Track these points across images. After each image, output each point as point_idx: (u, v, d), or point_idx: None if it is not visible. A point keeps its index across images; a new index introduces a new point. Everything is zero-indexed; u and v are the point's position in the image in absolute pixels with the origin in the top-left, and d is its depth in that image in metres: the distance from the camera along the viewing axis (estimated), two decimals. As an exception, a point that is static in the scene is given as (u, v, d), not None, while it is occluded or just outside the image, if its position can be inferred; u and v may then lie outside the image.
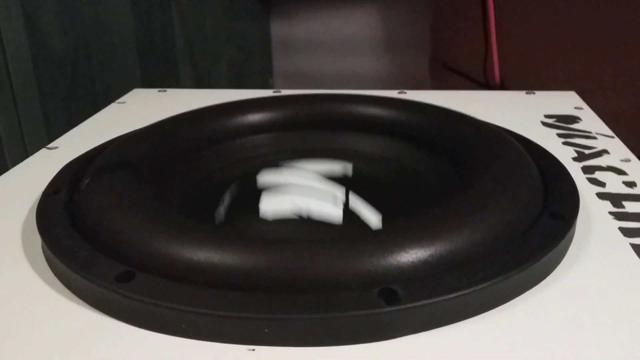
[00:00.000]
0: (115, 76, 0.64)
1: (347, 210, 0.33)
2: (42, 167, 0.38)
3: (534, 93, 0.53)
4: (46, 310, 0.25)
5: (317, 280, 0.24)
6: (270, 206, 0.34)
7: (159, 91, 0.54)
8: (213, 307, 0.23)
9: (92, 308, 0.25)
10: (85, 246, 0.27)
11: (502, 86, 0.66)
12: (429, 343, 0.23)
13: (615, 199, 0.33)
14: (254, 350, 0.23)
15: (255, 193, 0.35)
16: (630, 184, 0.35)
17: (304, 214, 0.33)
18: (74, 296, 0.26)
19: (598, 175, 0.36)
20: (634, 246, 0.29)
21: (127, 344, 0.23)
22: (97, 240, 0.27)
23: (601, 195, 0.34)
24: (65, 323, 0.24)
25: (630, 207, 0.32)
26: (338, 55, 0.98)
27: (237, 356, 0.22)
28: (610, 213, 0.32)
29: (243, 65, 0.95)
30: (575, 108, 0.48)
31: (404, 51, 0.91)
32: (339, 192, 0.35)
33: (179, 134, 0.38)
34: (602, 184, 0.35)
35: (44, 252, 0.29)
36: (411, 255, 0.25)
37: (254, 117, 0.40)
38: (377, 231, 0.26)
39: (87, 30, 0.59)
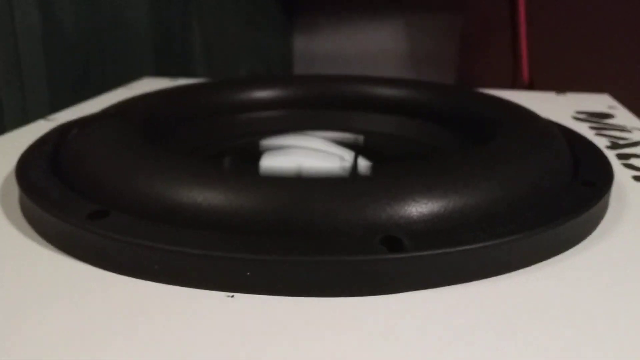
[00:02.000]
0: (128, 73, 0.63)
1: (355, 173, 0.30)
2: (37, 133, 0.37)
3: (565, 94, 0.50)
4: (10, 253, 0.22)
5: (311, 223, 0.21)
6: (271, 163, 0.31)
7: (169, 80, 0.53)
8: (187, 244, 0.20)
9: (60, 252, 0.22)
10: (60, 187, 0.25)
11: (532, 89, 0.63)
12: (435, 302, 0.19)
13: (654, 182, 0.30)
14: (233, 297, 0.20)
15: (258, 156, 0.32)
16: (671, 170, 0.32)
17: (307, 173, 0.30)
18: (42, 240, 0.23)
19: (634, 161, 0.33)
20: (675, 223, 0.25)
21: (93, 288, 0.20)
22: (73, 182, 0.25)
23: (637, 178, 0.30)
24: (30, 267, 0.22)
25: (671, 189, 0.29)
26: (361, 71, 0.96)
27: (213, 303, 0.19)
28: (649, 193, 0.28)
29: (264, 78, 0.94)
30: (609, 107, 0.45)
31: (429, 67, 0.89)
32: (346, 155, 0.32)
33: (186, 101, 0.36)
34: (639, 169, 0.32)
35: (19, 198, 0.26)
36: (421, 204, 0.22)
37: (264, 92, 0.38)
38: (386, 176, 0.23)
39: (103, 21, 0.58)
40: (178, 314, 0.19)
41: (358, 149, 0.34)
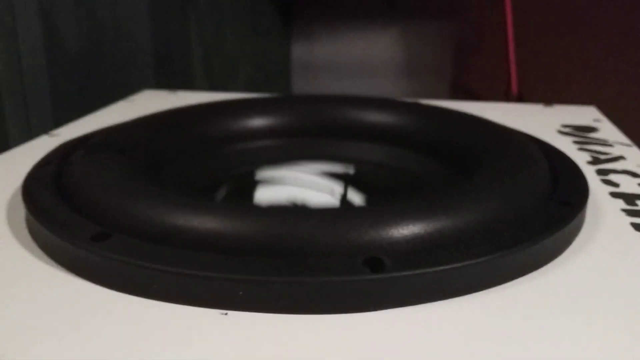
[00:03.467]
0: (129, 83, 0.65)
1: (345, 203, 0.32)
2: (41, 150, 0.38)
3: (552, 106, 0.51)
4: (19, 272, 0.24)
5: (299, 245, 0.22)
6: (266, 195, 0.32)
7: (168, 92, 0.54)
8: (184, 266, 0.22)
9: (65, 270, 0.24)
10: (65, 209, 0.26)
11: (521, 101, 0.65)
12: (414, 318, 0.21)
13: (629, 198, 0.31)
14: (226, 314, 0.21)
15: (253, 186, 0.34)
16: (647, 186, 0.33)
17: (299, 203, 0.31)
18: (49, 259, 0.25)
19: (612, 177, 0.34)
20: (646, 240, 0.27)
21: (96, 305, 0.22)
22: (77, 204, 0.26)
23: (614, 194, 0.32)
24: (36, 284, 0.23)
25: (645, 205, 0.30)
26: (358, 78, 0.98)
27: (208, 320, 0.21)
28: (623, 210, 0.30)
29: (261, 85, 0.95)
30: (594, 120, 0.47)
31: (424, 75, 0.90)
32: (336, 187, 0.34)
33: (183, 126, 0.38)
34: (616, 185, 0.33)
35: (26, 218, 0.28)
36: (402, 227, 0.23)
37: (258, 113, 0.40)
38: (369, 203, 0.24)
39: (104, 34, 0.60)
40: (175, 330, 0.20)
41: (348, 180, 0.35)
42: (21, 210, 0.29)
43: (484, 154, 0.30)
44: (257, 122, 0.39)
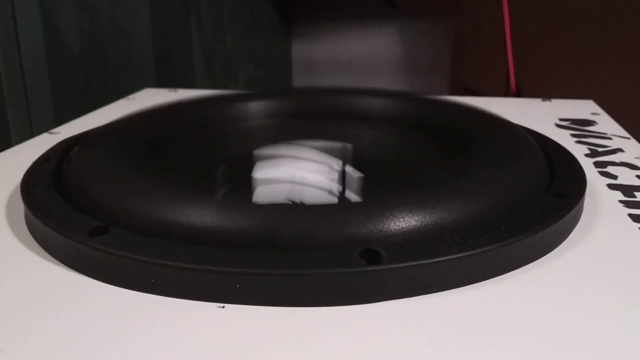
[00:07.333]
0: (130, 83, 0.65)
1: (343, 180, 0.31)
2: (42, 147, 0.38)
3: (550, 100, 0.51)
4: (17, 267, 0.24)
5: (295, 238, 0.22)
6: (263, 175, 0.32)
7: (169, 90, 0.54)
8: (181, 259, 0.22)
9: (63, 265, 0.24)
10: (63, 205, 0.26)
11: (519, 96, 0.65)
12: (411, 310, 0.21)
13: (627, 190, 0.31)
14: (223, 307, 0.21)
15: (251, 165, 0.34)
16: (644, 178, 0.33)
17: (297, 181, 0.31)
18: (47, 254, 0.25)
19: (610, 169, 0.35)
20: (643, 231, 0.27)
21: (92, 299, 0.22)
22: (75, 199, 0.26)
23: (612, 186, 0.32)
24: (34, 279, 0.23)
25: (643, 197, 0.30)
26: (358, 76, 0.98)
27: (205, 313, 0.21)
28: (620, 201, 0.30)
29: (262, 83, 0.95)
30: (592, 114, 0.47)
31: (424, 73, 0.90)
32: (335, 164, 0.33)
33: (180, 116, 0.38)
34: (614, 177, 0.33)
35: (25, 214, 0.28)
36: (398, 218, 0.23)
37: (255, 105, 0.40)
38: (365, 194, 0.24)
39: (105, 34, 0.60)
40: (173, 323, 0.20)
41: (346, 158, 0.35)
42: (20, 207, 0.29)
43: (480, 145, 0.30)
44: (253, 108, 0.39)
